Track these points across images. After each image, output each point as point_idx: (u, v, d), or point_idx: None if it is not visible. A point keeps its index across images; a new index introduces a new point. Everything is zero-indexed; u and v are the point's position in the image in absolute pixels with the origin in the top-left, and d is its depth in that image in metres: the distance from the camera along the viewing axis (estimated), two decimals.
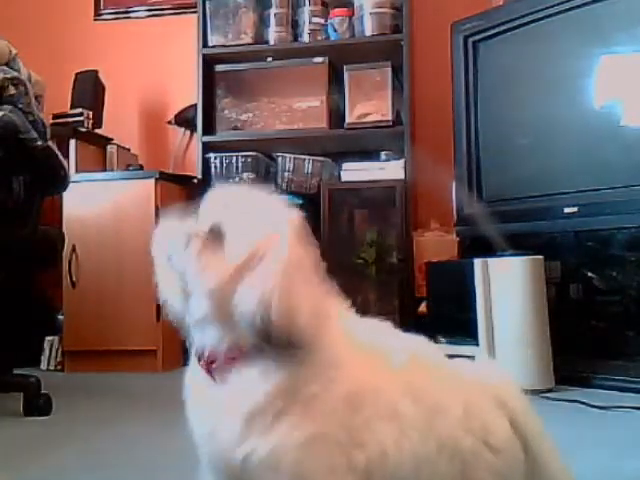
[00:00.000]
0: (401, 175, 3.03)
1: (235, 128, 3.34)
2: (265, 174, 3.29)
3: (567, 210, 2.35)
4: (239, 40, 3.28)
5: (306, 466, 0.74)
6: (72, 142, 3.20)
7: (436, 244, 2.99)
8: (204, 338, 0.78)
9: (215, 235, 0.77)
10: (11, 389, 2.13)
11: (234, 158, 3.21)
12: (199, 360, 0.80)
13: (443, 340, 2.33)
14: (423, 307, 2.80)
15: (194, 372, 0.81)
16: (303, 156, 3.19)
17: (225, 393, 0.76)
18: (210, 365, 0.78)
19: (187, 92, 3.41)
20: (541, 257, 2.28)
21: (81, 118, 3.32)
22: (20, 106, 2.01)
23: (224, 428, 0.75)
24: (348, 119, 3.18)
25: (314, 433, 0.74)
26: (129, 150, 3.57)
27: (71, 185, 2.28)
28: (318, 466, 0.74)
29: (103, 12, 3.82)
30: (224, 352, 0.77)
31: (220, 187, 0.82)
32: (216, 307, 0.76)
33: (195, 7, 3.36)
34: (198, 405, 0.80)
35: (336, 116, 3.22)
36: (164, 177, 3.08)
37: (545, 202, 2.44)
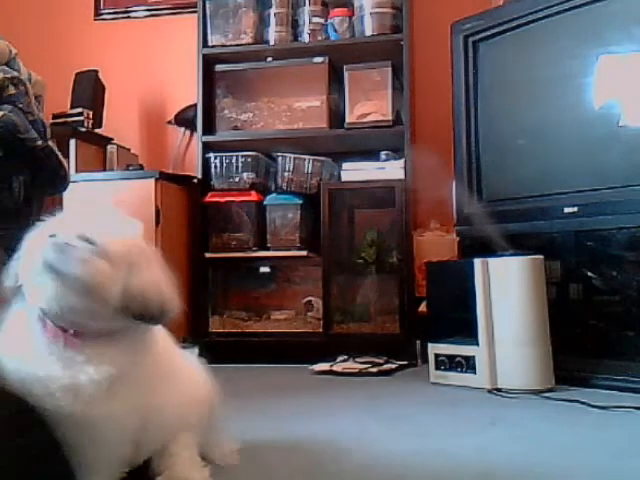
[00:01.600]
0: (401, 175, 3.03)
1: (235, 128, 3.34)
2: (265, 174, 3.30)
3: (567, 210, 2.35)
4: (239, 40, 3.29)
5: (125, 423, 1.03)
6: (72, 142, 3.20)
7: (436, 244, 2.99)
8: (69, 316, 0.99)
9: (86, 243, 0.98)
10: None
11: (234, 158, 3.21)
12: (59, 331, 1.00)
13: None
14: (423, 307, 2.80)
15: (33, 337, 1.01)
16: (303, 156, 3.19)
17: (85, 359, 0.99)
18: (69, 337, 0.99)
19: (187, 92, 3.41)
20: (541, 257, 2.28)
21: (81, 118, 3.32)
22: (20, 106, 2.01)
23: (88, 385, 0.97)
24: (348, 119, 3.18)
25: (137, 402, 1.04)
26: (129, 150, 3.57)
27: (71, 185, 2.28)
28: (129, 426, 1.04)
29: (103, 12, 3.83)
30: (86, 330, 1.00)
31: (69, 209, 1.09)
32: (90, 299, 0.96)
33: (195, 7, 3.36)
34: (47, 362, 0.99)
35: (336, 116, 3.22)
36: (164, 177, 3.08)
37: (545, 202, 2.44)
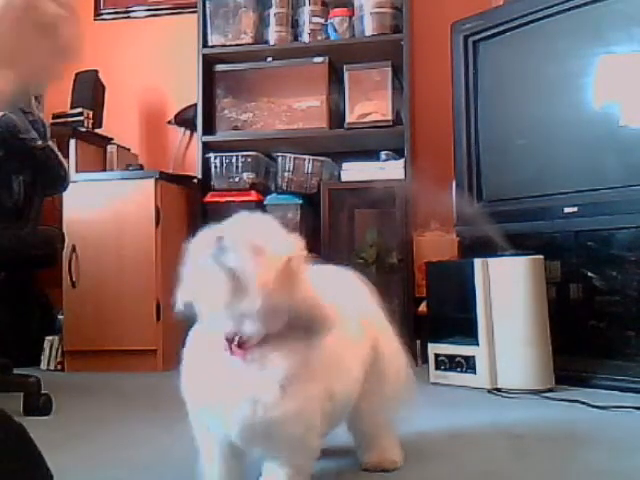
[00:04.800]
0: (401, 175, 3.03)
1: (235, 128, 3.34)
2: (265, 174, 3.29)
3: (567, 210, 2.35)
4: (239, 40, 3.29)
5: (311, 415, 1.07)
6: (72, 142, 3.20)
7: (436, 244, 2.99)
8: (239, 326, 1.00)
9: (256, 249, 0.98)
10: (11, 389, 2.13)
11: (234, 158, 3.21)
12: (230, 342, 1.02)
13: None
14: (423, 307, 2.80)
15: (208, 354, 1.05)
16: (303, 156, 3.19)
17: (259, 369, 1.01)
18: (240, 347, 1.02)
19: (187, 92, 3.41)
20: (541, 257, 2.28)
21: (81, 118, 3.32)
22: (20, 106, 2.01)
23: (265, 393, 1.00)
24: (348, 119, 3.19)
25: (315, 394, 1.07)
26: (129, 150, 3.57)
27: (71, 185, 2.28)
28: (316, 415, 1.08)
29: (103, 12, 3.82)
30: (258, 337, 1.01)
31: (235, 216, 1.05)
32: (262, 303, 0.97)
33: (195, 7, 3.36)
34: (225, 379, 1.03)
35: (336, 116, 3.22)
36: (164, 177, 3.08)
37: (545, 202, 2.44)
